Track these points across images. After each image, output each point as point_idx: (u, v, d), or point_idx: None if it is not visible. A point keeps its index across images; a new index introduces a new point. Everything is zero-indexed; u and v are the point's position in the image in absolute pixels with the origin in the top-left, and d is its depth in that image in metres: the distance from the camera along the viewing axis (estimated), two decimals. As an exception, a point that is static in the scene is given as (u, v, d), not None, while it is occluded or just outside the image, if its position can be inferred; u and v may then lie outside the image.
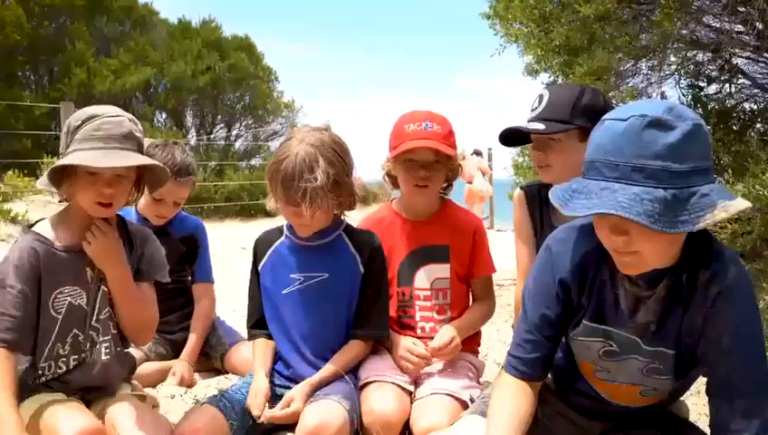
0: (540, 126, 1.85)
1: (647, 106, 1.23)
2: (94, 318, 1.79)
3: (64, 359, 1.76)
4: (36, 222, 1.81)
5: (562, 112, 1.85)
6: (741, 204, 1.18)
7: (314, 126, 1.94)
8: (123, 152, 1.67)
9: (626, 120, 1.20)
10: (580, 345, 1.46)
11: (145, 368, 2.43)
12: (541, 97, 1.90)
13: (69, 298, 1.75)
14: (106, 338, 1.81)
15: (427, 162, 2.02)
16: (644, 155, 1.17)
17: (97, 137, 1.65)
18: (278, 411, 1.81)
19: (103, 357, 1.80)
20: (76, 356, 1.78)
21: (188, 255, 2.69)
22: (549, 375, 1.56)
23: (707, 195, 1.17)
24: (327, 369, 1.91)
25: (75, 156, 1.64)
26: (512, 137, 1.96)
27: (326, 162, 1.82)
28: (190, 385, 2.47)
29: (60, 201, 1.80)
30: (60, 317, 1.74)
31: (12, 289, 1.67)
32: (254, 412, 1.82)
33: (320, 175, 1.79)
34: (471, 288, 2.20)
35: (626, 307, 1.37)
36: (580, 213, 1.21)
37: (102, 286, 1.79)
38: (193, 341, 2.58)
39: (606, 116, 1.27)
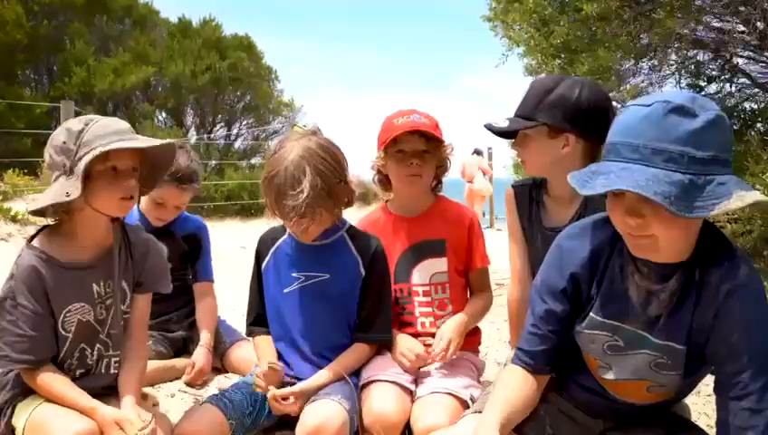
0: (504, 123, 1.84)
1: (671, 94, 1.26)
2: (105, 333, 1.78)
3: (71, 372, 1.76)
4: (36, 233, 1.74)
5: (529, 109, 1.82)
6: (756, 195, 1.18)
7: (303, 131, 1.93)
8: (140, 140, 1.67)
9: (650, 105, 1.22)
10: (585, 339, 1.46)
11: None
12: (524, 92, 1.88)
13: (78, 316, 1.73)
14: (116, 353, 1.80)
15: (418, 151, 2.04)
16: (665, 139, 1.19)
17: (110, 132, 1.64)
18: (278, 403, 1.81)
19: (112, 371, 1.79)
20: (82, 369, 1.77)
21: (190, 254, 2.69)
22: (553, 374, 1.56)
23: (724, 184, 1.18)
24: (330, 370, 1.91)
25: (111, 147, 1.60)
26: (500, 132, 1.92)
27: (315, 173, 1.79)
28: (204, 379, 2.47)
29: (56, 220, 1.73)
30: (70, 335, 1.73)
31: (25, 308, 1.65)
32: (264, 380, 1.83)
33: (307, 189, 1.77)
34: (469, 282, 2.20)
35: (637, 301, 1.37)
36: (599, 190, 1.22)
37: (119, 304, 1.78)
38: (207, 337, 2.57)
39: (630, 102, 1.31)
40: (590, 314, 1.43)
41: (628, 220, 1.24)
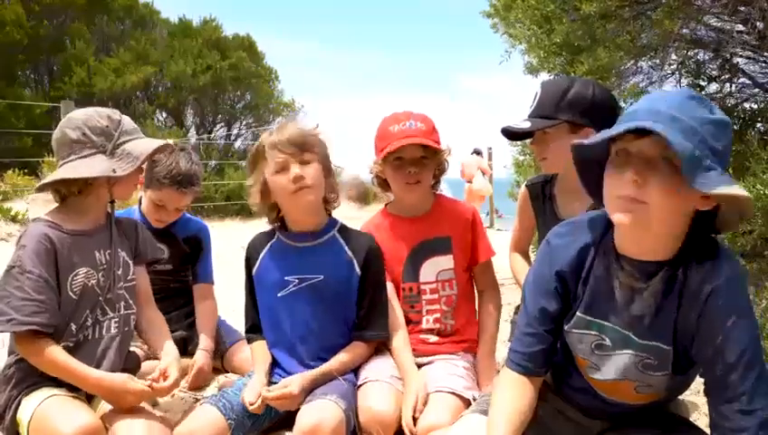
0: (526, 124, 1.95)
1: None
2: (104, 298, 1.84)
3: (73, 338, 1.79)
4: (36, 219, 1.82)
5: (549, 109, 1.93)
6: (744, 192, 1.20)
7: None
8: (153, 139, 1.92)
9: (673, 91, 1.26)
10: (574, 338, 1.45)
11: (145, 367, 2.43)
12: (535, 95, 1.98)
13: (84, 279, 1.79)
14: (113, 315, 1.85)
15: (416, 159, 2.04)
16: (684, 112, 1.20)
17: (135, 128, 1.86)
18: (273, 392, 1.81)
19: (113, 331, 1.84)
20: (80, 336, 1.80)
21: (191, 255, 2.69)
22: (548, 373, 1.56)
23: (723, 175, 1.19)
24: (327, 365, 1.92)
25: (159, 142, 1.88)
26: (512, 134, 2.03)
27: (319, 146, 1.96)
28: (204, 381, 2.46)
29: (63, 198, 1.84)
30: (76, 298, 1.78)
31: (32, 274, 1.70)
32: (249, 400, 1.82)
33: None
34: (474, 277, 2.21)
35: (621, 299, 1.37)
36: (620, 130, 1.20)
37: (115, 270, 1.86)
38: (207, 341, 2.55)
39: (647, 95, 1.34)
40: (577, 313, 1.43)
41: (631, 176, 1.21)
